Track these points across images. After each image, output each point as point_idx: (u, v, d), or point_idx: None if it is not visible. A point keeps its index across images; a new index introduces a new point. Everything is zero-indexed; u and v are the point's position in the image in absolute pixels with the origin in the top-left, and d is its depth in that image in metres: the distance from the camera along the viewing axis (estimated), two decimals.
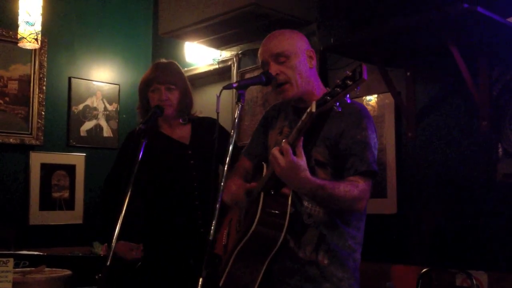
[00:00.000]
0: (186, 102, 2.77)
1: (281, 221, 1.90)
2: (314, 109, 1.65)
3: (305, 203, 1.99)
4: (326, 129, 1.95)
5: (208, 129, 2.75)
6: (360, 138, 1.95)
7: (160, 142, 2.73)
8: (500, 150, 2.74)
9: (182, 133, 2.79)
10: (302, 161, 1.77)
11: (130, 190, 2.27)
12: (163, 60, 2.88)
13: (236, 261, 1.97)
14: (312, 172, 1.96)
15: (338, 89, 1.60)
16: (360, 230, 2.07)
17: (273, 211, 1.91)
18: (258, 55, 2.14)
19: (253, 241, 1.90)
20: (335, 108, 1.62)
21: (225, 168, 1.87)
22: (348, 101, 1.61)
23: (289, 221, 1.91)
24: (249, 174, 2.23)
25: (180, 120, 2.78)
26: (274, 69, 2.04)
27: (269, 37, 2.14)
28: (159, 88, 2.69)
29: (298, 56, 2.07)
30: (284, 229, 1.90)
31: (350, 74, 1.58)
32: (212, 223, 1.80)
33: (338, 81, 1.61)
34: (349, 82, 1.57)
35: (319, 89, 2.11)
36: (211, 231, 1.79)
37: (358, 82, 1.56)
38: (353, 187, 1.89)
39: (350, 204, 1.92)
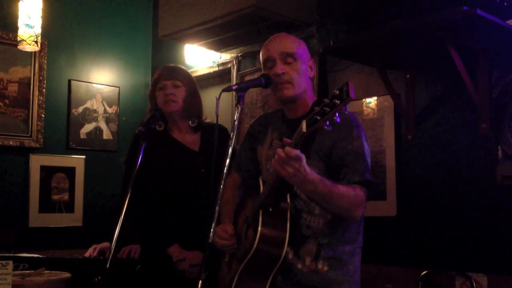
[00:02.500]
0: (193, 103, 2.76)
1: (282, 236, 1.93)
2: (304, 129, 1.66)
3: (304, 215, 2.00)
4: (319, 141, 1.94)
5: (218, 137, 2.72)
6: (352, 148, 1.96)
7: (170, 147, 2.72)
8: (499, 152, 2.74)
9: (192, 139, 2.77)
10: (302, 155, 1.76)
11: (130, 191, 2.27)
12: (172, 65, 2.94)
13: (241, 278, 2.00)
14: None
15: (326, 108, 1.60)
16: (360, 233, 2.07)
17: (273, 227, 1.93)
18: (263, 51, 2.12)
19: (256, 259, 1.93)
20: (326, 127, 1.63)
21: (225, 170, 1.87)
22: (338, 120, 1.61)
23: (289, 235, 1.93)
24: (238, 187, 2.27)
25: (190, 123, 2.76)
26: (280, 67, 2.04)
27: (279, 36, 2.14)
28: (166, 84, 2.71)
29: (303, 62, 2.08)
30: (285, 245, 1.92)
31: (338, 93, 1.58)
32: (211, 225, 1.80)
33: (326, 99, 1.61)
34: (336, 102, 1.58)
35: (311, 98, 2.13)
36: (210, 234, 1.79)
37: (346, 101, 1.56)
38: (350, 189, 1.90)
39: (348, 208, 1.92)
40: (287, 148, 1.71)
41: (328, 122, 1.62)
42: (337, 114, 1.60)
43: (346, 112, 1.61)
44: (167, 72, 2.76)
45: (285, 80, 2.03)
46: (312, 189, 1.82)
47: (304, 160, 1.74)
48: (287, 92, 2.05)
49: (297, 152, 1.70)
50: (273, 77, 2.04)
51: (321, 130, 1.70)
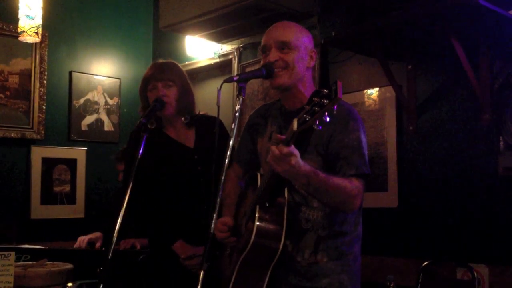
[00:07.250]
0: (186, 101, 2.71)
1: (279, 231, 1.93)
2: (295, 128, 1.66)
3: (303, 208, 2.00)
4: (317, 136, 1.93)
5: (212, 131, 2.70)
6: (348, 141, 1.96)
7: (165, 145, 2.70)
8: (501, 143, 2.74)
9: (186, 135, 2.75)
10: (296, 151, 1.76)
11: (131, 184, 2.27)
12: (162, 60, 2.87)
13: (240, 272, 2.01)
14: None
15: (316, 108, 1.60)
16: (358, 224, 2.08)
17: (269, 222, 1.94)
18: (263, 38, 2.11)
19: (254, 252, 1.94)
20: (315, 126, 1.63)
21: (226, 162, 1.87)
22: (327, 120, 1.61)
23: (287, 228, 1.93)
24: (240, 179, 2.28)
25: (183, 119, 2.73)
26: (274, 55, 2.03)
27: (279, 24, 2.13)
28: (157, 85, 2.66)
29: (300, 51, 2.06)
30: (282, 240, 1.93)
31: (327, 92, 1.58)
32: (213, 216, 1.80)
33: (315, 99, 1.61)
34: (325, 101, 1.58)
35: (310, 89, 2.11)
36: (212, 225, 1.79)
37: (334, 101, 1.56)
38: (346, 181, 1.89)
39: (345, 200, 1.91)
40: (280, 146, 1.72)
41: (318, 121, 1.62)
42: (326, 114, 1.60)
43: (335, 112, 1.60)
44: (158, 72, 2.69)
45: (280, 67, 2.03)
46: (305, 182, 1.83)
47: (298, 156, 1.74)
48: (281, 79, 2.04)
49: (289, 148, 1.71)
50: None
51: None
